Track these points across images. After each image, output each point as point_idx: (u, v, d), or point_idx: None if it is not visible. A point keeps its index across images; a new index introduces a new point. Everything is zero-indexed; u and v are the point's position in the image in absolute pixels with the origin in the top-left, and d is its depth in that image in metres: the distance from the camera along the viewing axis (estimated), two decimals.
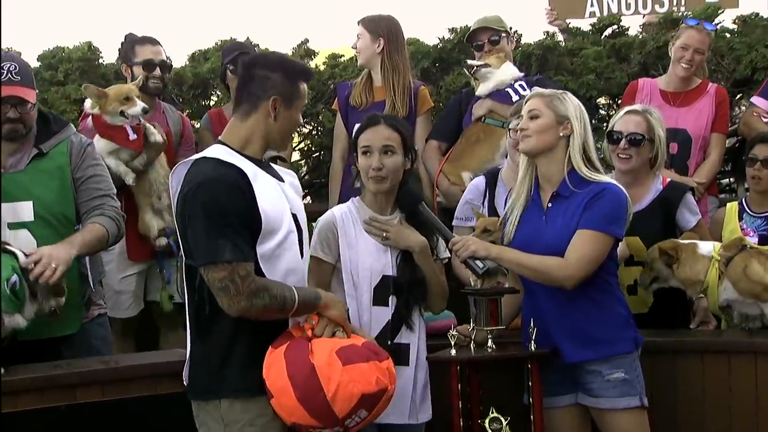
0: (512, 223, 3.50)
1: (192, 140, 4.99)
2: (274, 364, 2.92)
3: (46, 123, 3.75)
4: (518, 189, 3.52)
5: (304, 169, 6.19)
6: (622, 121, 4.11)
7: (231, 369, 2.96)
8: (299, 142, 6.11)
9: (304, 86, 3.12)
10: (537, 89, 3.58)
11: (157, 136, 4.52)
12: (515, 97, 4.71)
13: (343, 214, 3.45)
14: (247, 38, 5.93)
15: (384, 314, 3.39)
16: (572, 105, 3.43)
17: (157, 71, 4.79)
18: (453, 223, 4.24)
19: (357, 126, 3.56)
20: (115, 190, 3.82)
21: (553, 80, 5.41)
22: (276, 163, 3.40)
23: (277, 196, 3.05)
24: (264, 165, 3.11)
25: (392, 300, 3.40)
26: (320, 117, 5.87)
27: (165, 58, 4.87)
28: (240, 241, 2.89)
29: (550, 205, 3.44)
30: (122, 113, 4.42)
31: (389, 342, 3.33)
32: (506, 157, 4.44)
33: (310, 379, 2.88)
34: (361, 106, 4.87)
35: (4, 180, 3.58)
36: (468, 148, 4.85)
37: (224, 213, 2.89)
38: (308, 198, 5.87)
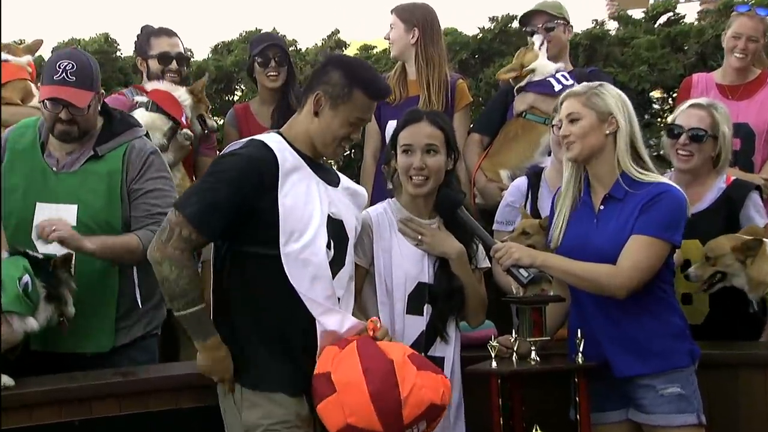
0: (559, 227, 3.48)
1: (213, 138, 5.04)
2: (346, 359, 2.98)
3: (110, 123, 3.76)
4: (565, 189, 3.50)
5: (334, 168, 6.21)
6: (684, 114, 4.07)
7: (250, 357, 3.06)
8: None
9: (362, 96, 3.12)
10: (576, 87, 3.52)
11: (189, 133, 4.66)
12: (557, 87, 4.69)
13: (379, 215, 3.46)
14: (274, 29, 5.97)
15: (418, 324, 3.39)
16: (612, 97, 3.40)
17: (174, 64, 4.84)
18: (493, 227, 4.23)
19: (394, 122, 3.57)
20: None
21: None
22: None
23: (311, 197, 3.09)
24: (317, 165, 3.18)
25: (427, 309, 3.40)
26: None
27: (182, 51, 4.93)
28: (210, 211, 3.01)
29: (602, 207, 3.42)
30: (201, 118, 4.75)
31: (423, 354, 3.33)
32: (548, 155, 4.43)
33: (387, 374, 2.95)
34: (395, 101, 4.87)
35: (54, 180, 3.63)
36: (506, 145, 4.85)
37: (224, 181, 3.01)
38: None
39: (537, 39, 4.89)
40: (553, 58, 4.90)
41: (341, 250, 3.16)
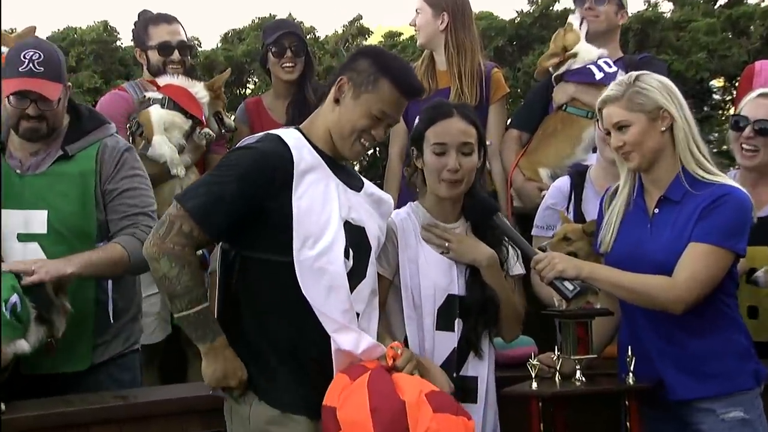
0: (610, 233, 3.46)
1: (225, 134, 5.05)
2: (354, 395, 2.95)
3: (78, 120, 3.75)
4: (621, 191, 3.48)
5: (356, 168, 6.22)
6: (751, 104, 4.03)
7: (261, 369, 3.06)
8: None
9: (389, 87, 3.11)
10: (608, 89, 3.46)
11: (209, 131, 4.70)
12: (599, 75, 4.67)
13: (403, 221, 3.45)
14: (289, 15, 5.99)
15: (449, 341, 3.38)
16: (655, 88, 3.36)
17: (176, 55, 4.85)
18: (532, 233, 4.22)
19: (420, 116, 3.56)
20: (154, 206, 3.79)
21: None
22: None
23: (329, 199, 3.10)
24: (338, 166, 3.18)
25: (458, 324, 3.39)
26: None
27: (184, 39, 4.93)
28: (215, 206, 3.01)
29: (656, 211, 3.40)
30: (218, 115, 4.78)
31: (455, 374, 3.33)
32: (592, 152, 4.41)
33: (397, 417, 2.91)
34: (423, 94, 4.86)
35: (20, 184, 3.61)
36: (545, 141, 4.84)
37: (233, 175, 3.02)
38: None
39: (575, 18, 4.86)
40: (600, 36, 4.87)
41: (362, 260, 3.15)
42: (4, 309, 3.26)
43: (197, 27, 5.58)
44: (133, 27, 5.06)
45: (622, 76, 3.58)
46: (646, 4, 6.03)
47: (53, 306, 3.42)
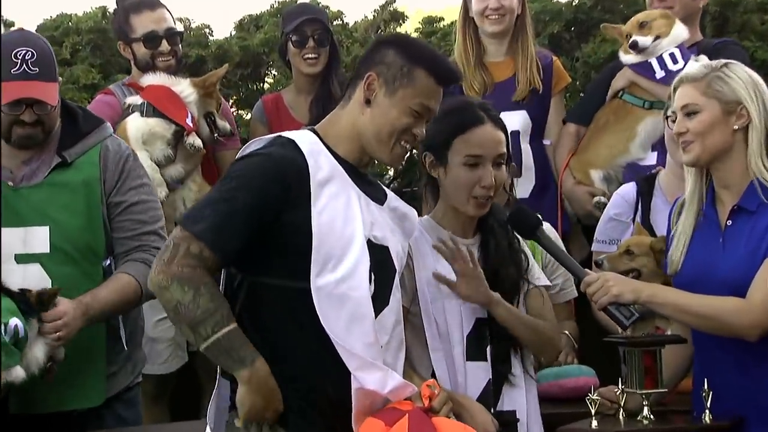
0: (680, 249, 3.46)
1: (233, 129, 5.07)
2: None
3: (73, 122, 3.76)
4: (690, 201, 3.49)
5: (390, 172, 6.23)
6: None
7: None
8: None
9: (425, 77, 3.12)
10: (689, 69, 3.49)
11: (197, 140, 4.66)
12: (660, 73, 4.66)
13: (416, 239, 3.44)
14: None
15: (482, 372, 3.39)
16: (741, 81, 3.37)
17: (164, 45, 4.84)
18: (592, 248, 4.23)
19: (441, 119, 3.56)
20: (163, 221, 3.82)
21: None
22: None
23: (352, 214, 3.09)
24: (359, 175, 3.18)
25: (491, 352, 3.41)
26: None
27: (172, 25, 4.92)
28: (226, 227, 2.98)
29: (729, 222, 3.40)
30: (211, 117, 4.76)
31: (492, 410, 3.34)
32: (651, 150, 4.41)
33: None
34: (482, 91, 4.89)
35: (14, 197, 3.61)
36: (595, 137, 4.84)
37: (242, 188, 3.00)
38: None
39: (640, 40, 4.83)
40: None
41: (385, 285, 3.13)
42: (3, 333, 3.28)
43: (208, 13, 5.61)
44: (113, 17, 5.07)
45: (705, 60, 3.57)
46: None
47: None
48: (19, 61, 3.58)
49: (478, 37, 4.99)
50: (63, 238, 3.62)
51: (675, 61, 4.69)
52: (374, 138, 3.14)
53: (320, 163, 3.07)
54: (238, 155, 3.15)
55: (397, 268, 3.20)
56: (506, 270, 3.48)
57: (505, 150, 3.43)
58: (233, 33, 6.38)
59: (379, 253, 3.12)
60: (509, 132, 4.08)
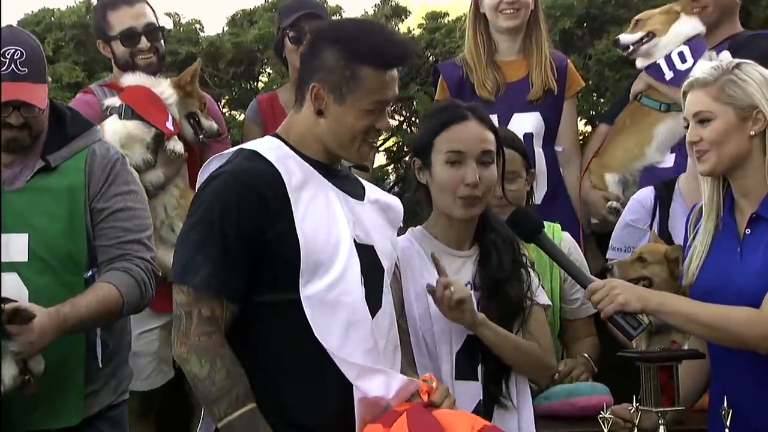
0: (697, 259, 3.47)
1: (221, 127, 5.06)
2: None
3: (60, 124, 3.75)
4: (708, 210, 3.49)
5: (392, 176, 6.24)
6: None
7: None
8: (384, 140, 6.17)
9: (372, 73, 3.07)
10: (698, 72, 3.47)
11: (179, 145, 4.66)
12: (668, 74, 4.67)
13: (405, 250, 3.46)
14: None
15: (472, 391, 3.41)
16: (755, 82, 3.36)
17: (143, 42, 4.84)
18: (607, 255, 4.24)
19: (425, 121, 3.57)
20: (150, 230, 3.81)
21: None
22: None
23: (333, 218, 3.09)
24: (333, 172, 3.17)
25: (482, 371, 3.43)
26: (413, 103, 5.93)
27: (153, 20, 4.91)
28: (225, 266, 2.98)
29: (747, 231, 3.41)
30: (194, 117, 4.75)
31: None
32: (669, 152, 4.42)
33: None
34: (494, 92, 4.90)
35: None
36: (612, 140, 4.87)
37: (222, 221, 2.99)
38: None
39: (627, 38, 4.84)
40: (712, 25, 4.88)
41: (376, 287, 3.14)
42: None
43: (199, 7, 5.60)
44: (93, 14, 5.07)
45: (717, 60, 3.58)
46: None
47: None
48: (8, 60, 3.58)
49: (490, 33, 5.00)
50: (42, 245, 3.61)
51: (684, 60, 4.70)
52: (336, 145, 3.13)
53: (291, 168, 3.07)
54: (202, 175, 3.14)
55: (385, 267, 3.20)
56: (510, 286, 3.51)
57: (491, 148, 3.44)
58: (225, 29, 6.38)
59: (365, 254, 3.12)
60: (522, 134, 4.13)
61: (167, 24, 6.20)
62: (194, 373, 3.00)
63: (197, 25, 6.29)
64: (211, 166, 3.16)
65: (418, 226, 3.56)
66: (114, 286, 3.61)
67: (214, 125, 4.84)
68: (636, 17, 4.84)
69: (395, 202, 3.33)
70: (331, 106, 3.08)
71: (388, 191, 5.78)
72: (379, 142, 5.91)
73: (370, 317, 3.08)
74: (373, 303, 3.12)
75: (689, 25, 4.80)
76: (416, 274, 3.44)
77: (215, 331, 3.00)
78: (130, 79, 4.74)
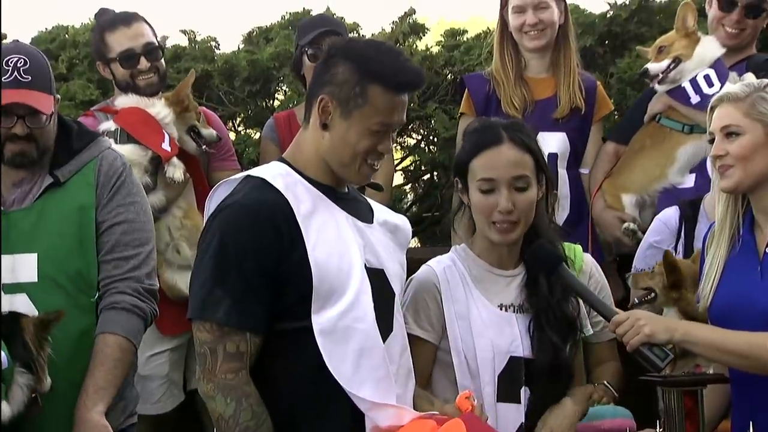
0: (710, 284, 3.45)
1: (227, 145, 5.08)
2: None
3: (67, 138, 3.74)
4: (719, 228, 3.48)
5: (409, 197, 6.23)
6: None
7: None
8: (402, 159, 6.16)
9: (381, 93, 3.08)
10: (730, 87, 3.48)
11: (177, 171, 4.65)
12: (695, 98, 4.64)
13: (447, 269, 3.47)
14: (327, 9, 6.04)
15: (514, 415, 3.40)
16: None
17: (143, 63, 4.83)
18: (627, 276, 4.20)
19: (464, 140, 3.55)
20: (151, 244, 3.77)
21: None
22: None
23: (345, 243, 3.09)
24: (341, 196, 3.18)
25: (525, 393, 3.41)
26: (432, 122, 5.93)
27: (152, 40, 4.89)
28: (247, 300, 3.00)
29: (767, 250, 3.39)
30: (194, 130, 4.75)
31: None
32: (689, 173, 4.40)
33: None
34: (521, 109, 4.89)
35: (4, 224, 3.56)
36: (630, 160, 4.84)
37: (239, 255, 2.99)
38: (415, 239, 5.90)
39: (654, 67, 4.80)
40: (738, 50, 4.85)
41: (387, 311, 3.14)
42: None
43: (214, 25, 5.62)
44: (92, 35, 5.06)
45: (746, 79, 3.56)
46: None
47: (36, 353, 3.41)
48: (10, 68, 3.58)
49: (518, 50, 4.98)
50: (52, 265, 3.60)
51: (710, 84, 4.66)
52: (337, 163, 3.14)
53: (299, 195, 3.07)
54: (210, 203, 3.14)
55: (396, 291, 3.21)
56: (565, 305, 3.50)
57: (524, 172, 3.42)
58: (241, 46, 6.40)
59: (376, 278, 3.13)
60: (547, 154, 4.09)
61: (182, 42, 6.23)
62: (219, 412, 3.01)
63: (213, 43, 6.32)
64: (218, 193, 3.17)
65: (462, 244, 3.56)
66: (120, 336, 3.59)
67: (213, 132, 4.86)
68: (657, 44, 4.80)
69: (403, 223, 3.34)
70: (337, 120, 3.09)
71: (406, 211, 5.79)
72: (396, 162, 5.93)
73: (382, 343, 3.08)
74: (385, 327, 3.12)
75: (713, 48, 4.77)
76: (458, 296, 3.44)
77: (241, 368, 3.01)
78: (123, 101, 4.76)
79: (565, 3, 4.98)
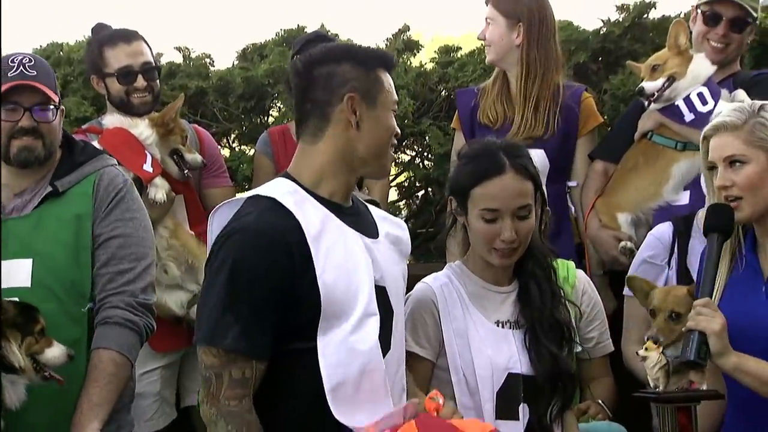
0: (714, 298, 3.42)
1: (218, 162, 5.09)
2: None
3: (71, 152, 3.79)
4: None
5: (404, 212, 6.24)
6: None
7: None
8: (396, 175, 6.17)
9: (386, 77, 3.17)
10: (724, 116, 3.43)
11: (159, 193, 4.64)
12: (689, 116, 4.64)
13: (444, 286, 3.47)
14: (322, 26, 6.05)
15: None
16: None
17: (140, 81, 4.84)
18: (624, 292, 4.21)
19: (462, 163, 3.55)
20: (149, 258, 3.79)
21: None
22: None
23: (354, 263, 3.09)
24: (348, 211, 3.17)
25: (523, 410, 3.40)
26: (426, 138, 5.93)
27: (149, 59, 4.91)
28: (256, 327, 2.98)
29: None
30: (177, 153, 4.74)
31: None
32: (683, 190, 4.41)
33: None
34: (496, 123, 4.89)
35: (3, 230, 3.58)
36: (623, 178, 4.83)
37: (251, 281, 2.98)
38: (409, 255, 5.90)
39: (650, 85, 4.81)
40: (724, 65, 4.85)
41: (386, 330, 3.13)
42: None
43: (209, 41, 5.60)
44: (87, 48, 5.08)
45: (739, 103, 3.56)
46: (766, 11, 5.97)
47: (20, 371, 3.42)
48: (16, 64, 3.65)
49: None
50: (46, 272, 3.63)
51: (704, 102, 4.65)
52: (374, 156, 3.17)
53: (308, 215, 3.06)
54: (213, 224, 3.14)
55: (395, 310, 3.19)
56: (559, 315, 3.50)
57: (527, 201, 3.42)
58: (236, 63, 6.41)
59: (380, 296, 3.13)
60: None
61: (177, 58, 6.24)
62: None
63: (207, 60, 6.33)
64: (221, 214, 3.16)
65: (457, 261, 3.56)
66: (115, 352, 3.61)
67: (198, 157, 4.84)
68: (651, 62, 4.79)
69: (403, 233, 3.34)
70: (365, 113, 3.13)
71: None
72: (391, 177, 5.93)
73: (383, 365, 3.07)
74: (384, 346, 3.11)
75: (706, 66, 4.77)
76: (455, 313, 3.44)
77: (245, 395, 3.00)
78: (108, 121, 4.76)
79: (531, 26, 4.86)
